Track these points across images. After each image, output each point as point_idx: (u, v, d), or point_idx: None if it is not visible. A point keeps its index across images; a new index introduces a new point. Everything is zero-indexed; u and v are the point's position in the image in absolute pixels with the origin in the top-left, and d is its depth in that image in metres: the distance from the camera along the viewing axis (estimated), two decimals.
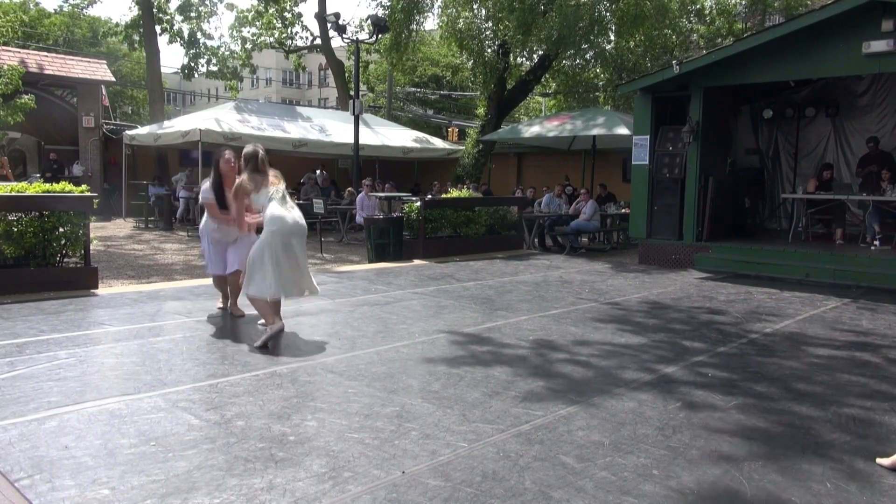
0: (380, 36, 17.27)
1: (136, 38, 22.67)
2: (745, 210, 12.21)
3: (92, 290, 7.01)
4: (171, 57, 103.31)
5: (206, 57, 23.82)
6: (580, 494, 2.78)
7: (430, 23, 27.11)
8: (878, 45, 8.57)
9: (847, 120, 11.84)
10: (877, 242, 9.99)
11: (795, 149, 12.51)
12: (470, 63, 18.55)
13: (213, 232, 6.00)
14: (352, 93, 16.62)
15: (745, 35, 12.69)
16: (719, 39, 19.75)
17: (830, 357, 5.17)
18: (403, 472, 2.92)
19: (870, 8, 8.49)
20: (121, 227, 16.13)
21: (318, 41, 23.09)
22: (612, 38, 17.19)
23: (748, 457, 3.21)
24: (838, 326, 6.27)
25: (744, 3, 20.83)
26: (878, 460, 3.19)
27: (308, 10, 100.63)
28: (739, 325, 6.26)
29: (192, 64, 23.32)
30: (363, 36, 18.98)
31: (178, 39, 22.65)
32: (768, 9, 20.56)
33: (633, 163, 11.23)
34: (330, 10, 19.86)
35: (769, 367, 4.84)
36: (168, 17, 22.30)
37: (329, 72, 29.41)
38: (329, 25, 18.68)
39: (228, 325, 5.72)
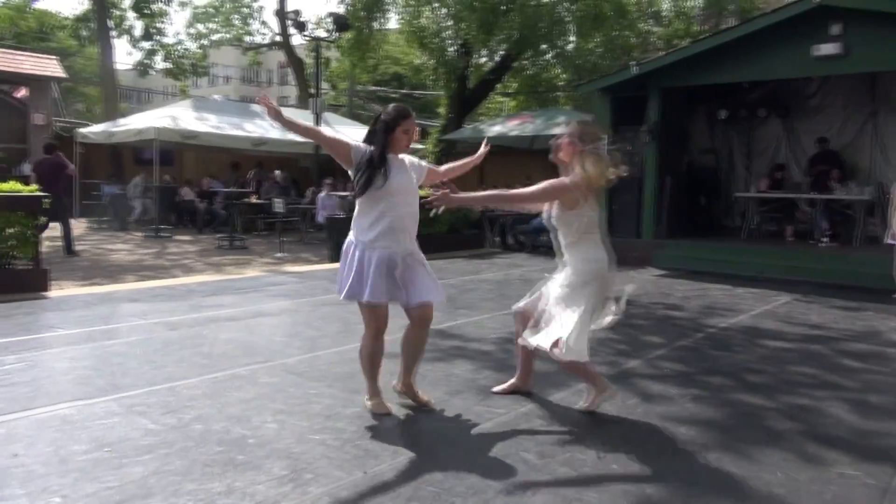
0: (341, 34, 17.14)
1: (85, 32, 22.09)
2: (701, 208, 12.47)
3: (42, 293, 6.80)
4: (126, 53, 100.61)
5: (160, 55, 23.33)
6: (541, 490, 2.80)
7: (393, 21, 26.97)
8: (827, 49, 8.86)
9: (798, 121, 12.19)
10: (825, 239, 10.32)
11: (748, 148, 12.83)
12: (431, 62, 18.54)
13: (385, 238, 3.53)
14: (312, 91, 16.45)
15: (701, 37, 12.96)
16: (676, 41, 20.12)
17: (782, 350, 5.33)
18: (365, 473, 2.91)
19: (818, 13, 8.77)
20: (73, 228, 15.63)
21: (278, 38, 22.83)
22: (573, 38, 17.41)
23: (704, 448, 3.28)
24: (789, 321, 6.46)
25: (700, 4, 21.28)
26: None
27: (269, 5, 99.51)
28: (695, 320, 6.40)
29: (147, 61, 22.81)
30: (323, 33, 18.81)
31: (128, 35, 22.13)
32: (723, 11, 21.04)
33: None
34: (291, 6, 19.65)
35: (724, 361, 4.96)
36: (120, 13, 21.76)
37: (289, 70, 29.07)
38: (289, 23, 18.47)
39: (187, 328, 5.60)
